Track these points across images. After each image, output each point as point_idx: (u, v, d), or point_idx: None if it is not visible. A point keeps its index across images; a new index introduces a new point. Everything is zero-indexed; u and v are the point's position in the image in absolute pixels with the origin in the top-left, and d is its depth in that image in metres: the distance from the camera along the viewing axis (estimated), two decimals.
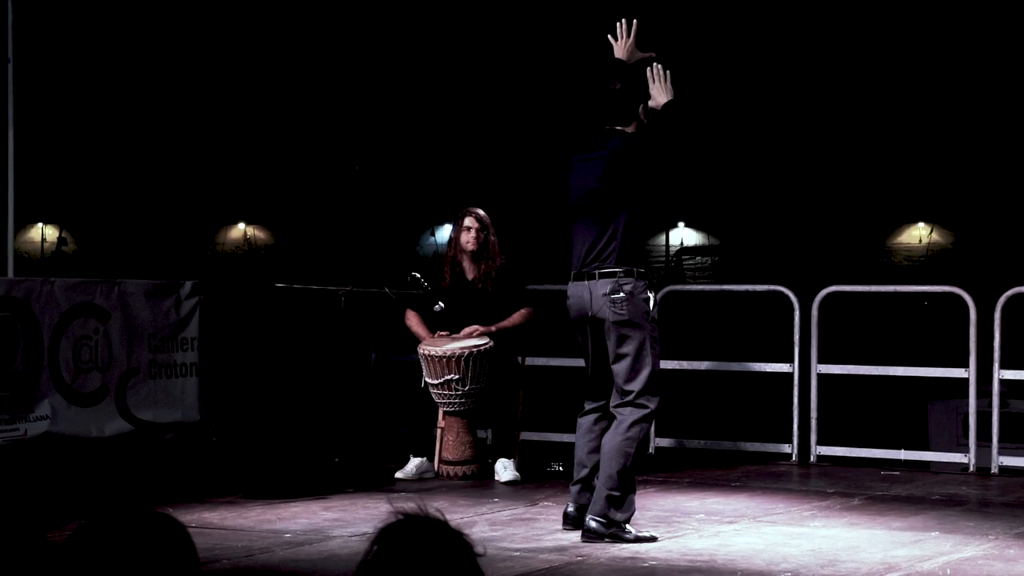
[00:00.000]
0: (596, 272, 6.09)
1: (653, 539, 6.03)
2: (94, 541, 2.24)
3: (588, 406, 6.32)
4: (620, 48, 6.24)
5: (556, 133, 6.50)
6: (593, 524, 6.02)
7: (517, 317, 8.19)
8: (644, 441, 6.14)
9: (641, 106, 6.19)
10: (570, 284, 6.25)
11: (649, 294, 6.10)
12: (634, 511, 6.10)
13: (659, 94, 6.16)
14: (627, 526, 6.03)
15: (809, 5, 30.27)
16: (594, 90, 6.22)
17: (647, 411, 6.06)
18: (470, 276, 8.20)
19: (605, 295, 6.05)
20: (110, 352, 8.66)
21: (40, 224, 36.92)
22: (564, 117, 6.48)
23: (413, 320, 8.25)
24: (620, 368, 6.07)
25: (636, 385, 6.04)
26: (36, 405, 8.25)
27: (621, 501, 6.02)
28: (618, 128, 6.18)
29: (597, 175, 6.13)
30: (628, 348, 6.05)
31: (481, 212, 8.18)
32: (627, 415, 6.05)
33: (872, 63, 30.20)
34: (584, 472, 6.25)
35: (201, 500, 6.96)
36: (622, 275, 6.05)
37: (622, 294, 6.03)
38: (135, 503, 2.32)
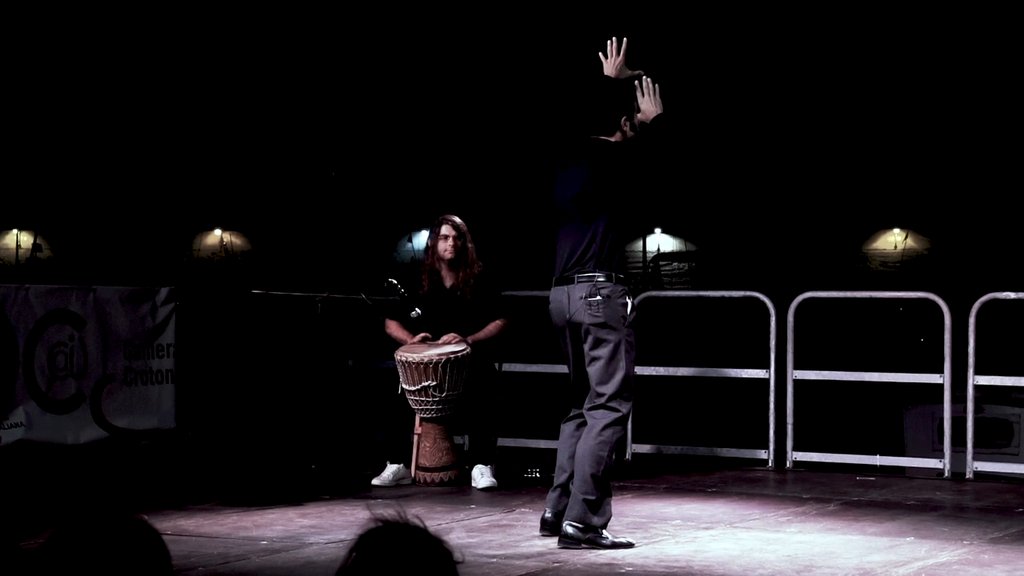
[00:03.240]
0: (575, 276, 6.15)
1: (630, 545, 6.04)
2: (67, 547, 2.23)
3: (572, 412, 6.34)
4: (609, 65, 6.32)
5: (541, 141, 6.54)
6: (570, 530, 6.02)
7: (492, 328, 8.18)
8: (619, 445, 6.14)
9: (625, 117, 6.23)
10: (552, 289, 6.30)
11: (628, 300, 6.13)
12: (610, 516, 6.11)
13: (649, 107, 6.22)
14: (604, 531, 6.04)
15: (783, 14, 30.39)
16: (579, 101, 6.29)
17: (619, 415, 6.09)
18: (448, 284, 8.19)
19: (582, 298, 6.11)
20: (85, 359, 8.63)
21: (15, 230, 36.73)
22: (550, 126, 6.55)
23: (393, 327, 8.23)
24: (594, 370, 6.10)
25: (609, 388, 6.07)
26: (11, 412, 8.21)
27: (598, 505, 6.03)
28: (602, 138, 6.23)
29: (580, 182, 6.19)
30: (602, 351, 6.08)
31: (458, 220, 8.17)
32: (599, 418, 6.08)
33: (848, 70, 30.32)
34: (563, 477, 6.25)
35: (177, 507, 6.93)
36: (601, 280, 6.10)
37: (599, 297, 6.08)
38: (109, 509, 2.31)
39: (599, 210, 6.14)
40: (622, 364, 6.08)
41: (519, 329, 8.46)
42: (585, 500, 6.01)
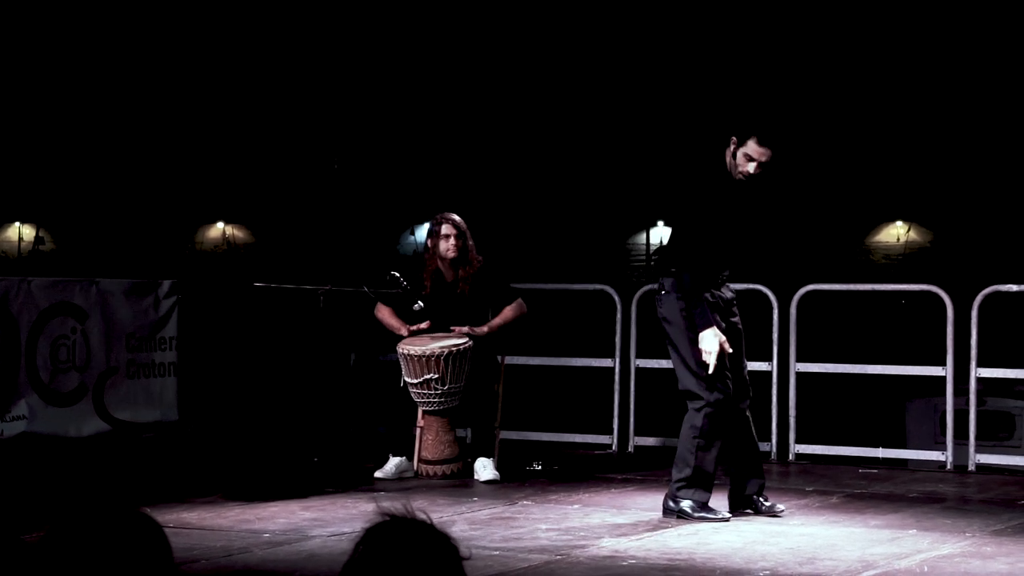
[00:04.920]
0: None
1: (726, 519, 6.49)
2: (68, 540, 2.23)
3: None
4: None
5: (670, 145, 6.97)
6: (670, 503, 6.58)
7: (509, 312, 8.17)
8: (716, 430, 6.50)
9: (736, 140, 6.55)
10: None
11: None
12: (700, 498, 6.52)
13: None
14: (690, 508, 6.53)
15: (785, 8, 30.36)
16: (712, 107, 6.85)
17: (701, 402, 6.47)
18: (448, 279, 8.19)
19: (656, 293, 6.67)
20: (88, 352, 8.63)
21: (17, 223, 36.74)
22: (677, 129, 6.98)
23: (385, 313, 8.20)
24: (673, 365, 6.60)
25: (686, 382, 6.52)
26: (13, 405, 8.22)
27: (690, 486, 6.52)
28: (717, 157, 6.64)
29: (671, 190, 6.86)
30: (670, 346, 6.55)
31: (457, 218, 8.16)
32: (689, 409, 6.56)
33: (849, 63, 30.30)
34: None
35: (180, 500, 6.94)
36: (667, 276, 6.58)
37: (662, 292, 6.57)
38: (111, 502, 2.30)
39: (676, 217, 6.83)
40: (689, 356, 6.55)
41: (521, 322, 8.45)
42: (680, 480, 6.55)
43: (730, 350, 6.47)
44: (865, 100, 30.42)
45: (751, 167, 6.53)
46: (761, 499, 6.71)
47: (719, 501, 6.73)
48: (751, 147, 6.53)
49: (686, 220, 6.60)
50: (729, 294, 6.74)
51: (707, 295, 6.53)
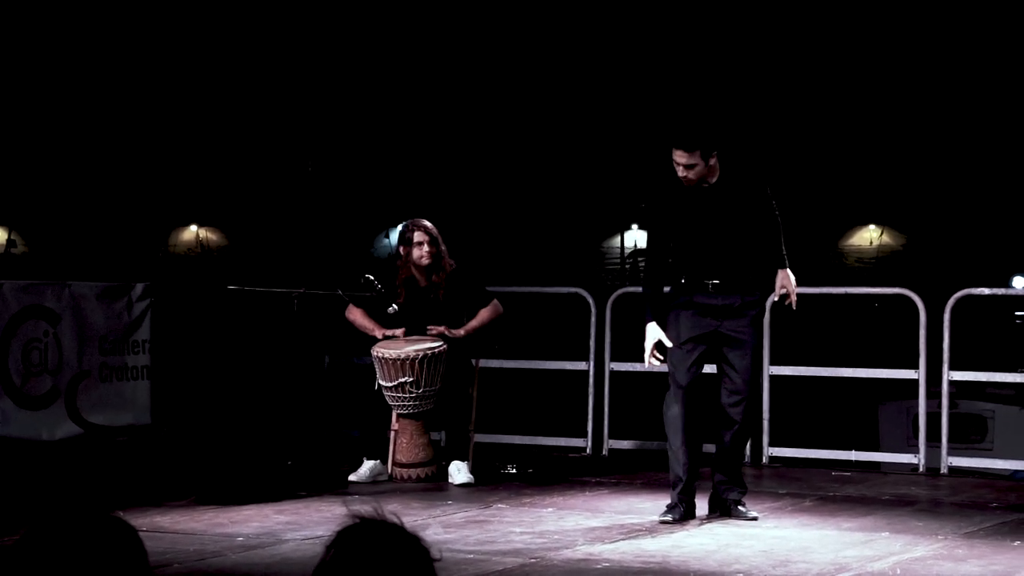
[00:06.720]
0: None
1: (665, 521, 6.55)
2: (43, 544, 2.22)
3: None
4: None
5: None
6: None
7: (485, 314, 8.16)
8: (672, 422, 6.66)
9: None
10: None
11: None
12: (670, 498, 6.60)
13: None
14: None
15: (758, 14, 30.46)
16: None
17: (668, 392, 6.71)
18: (422, 285, 8.19)
19: None
20: (60, 355, 8.59)
21: None
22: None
23: (357, 314, 8.18)
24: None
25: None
26: None
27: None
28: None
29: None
30: None
31: (428, 224, 8.15)
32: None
33: (823, 68, 30.42)
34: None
35: (153, 504, 6.91)
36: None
37: None
38: (85, 506, 2.30)
39: None
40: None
41: (499, 323, 8.45)
42: None
43: (668, 343, 6.60)
44: (838, 105, 30.55)
45: (680, 171, 6.58)
46: (740, 507, 6.72)
47: (700, 502, 6.74)
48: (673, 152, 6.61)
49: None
50: (719, 301, 6.61)
51: (683, 299, 6.59)
